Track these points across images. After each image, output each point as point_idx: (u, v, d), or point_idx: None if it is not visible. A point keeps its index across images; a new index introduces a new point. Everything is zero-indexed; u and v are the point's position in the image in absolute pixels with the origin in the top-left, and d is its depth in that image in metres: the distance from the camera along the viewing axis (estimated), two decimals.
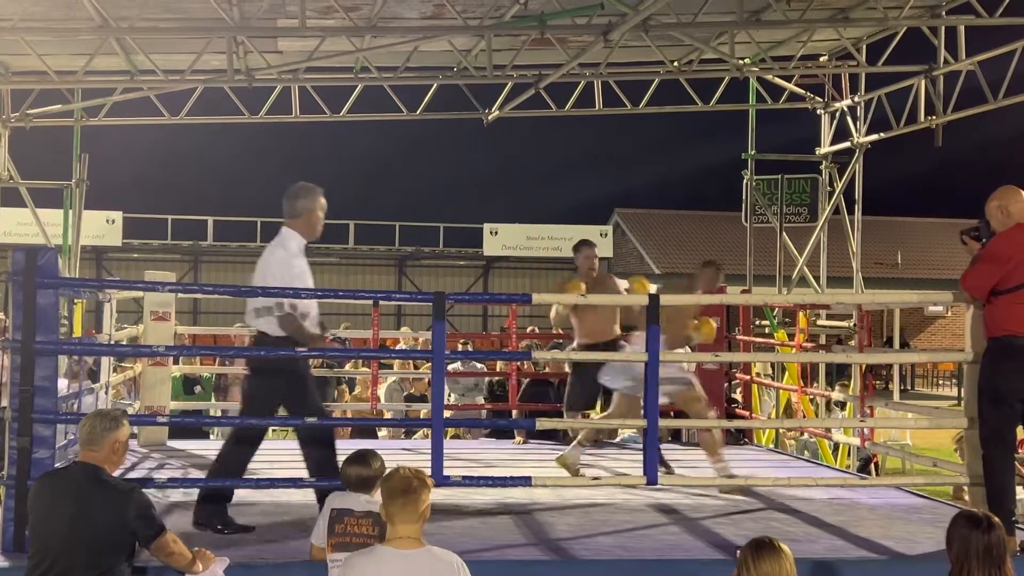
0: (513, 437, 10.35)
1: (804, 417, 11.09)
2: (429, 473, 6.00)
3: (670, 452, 9.34)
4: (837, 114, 13.66)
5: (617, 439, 10.59)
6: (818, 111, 13.91)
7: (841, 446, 11.45)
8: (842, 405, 12.25)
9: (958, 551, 4.01)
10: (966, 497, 7.12)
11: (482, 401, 11.68)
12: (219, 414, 11.95)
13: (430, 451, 6.06)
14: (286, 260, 6.37)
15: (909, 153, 21.20)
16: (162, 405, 9.67)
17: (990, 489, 5.93)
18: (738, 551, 3.98)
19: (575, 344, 9.03)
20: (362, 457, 4.93)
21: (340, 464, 5.11)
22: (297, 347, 6.14)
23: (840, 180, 13.65)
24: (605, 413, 8.57)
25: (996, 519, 4.08)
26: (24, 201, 14.21)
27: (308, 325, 6.22)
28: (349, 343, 12.57)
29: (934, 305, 32.50)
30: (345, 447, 9.13)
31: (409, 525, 4.04)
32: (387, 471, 4.29)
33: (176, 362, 10.71)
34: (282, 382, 6.24)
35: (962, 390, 6.50)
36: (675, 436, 10.80)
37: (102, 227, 29.22)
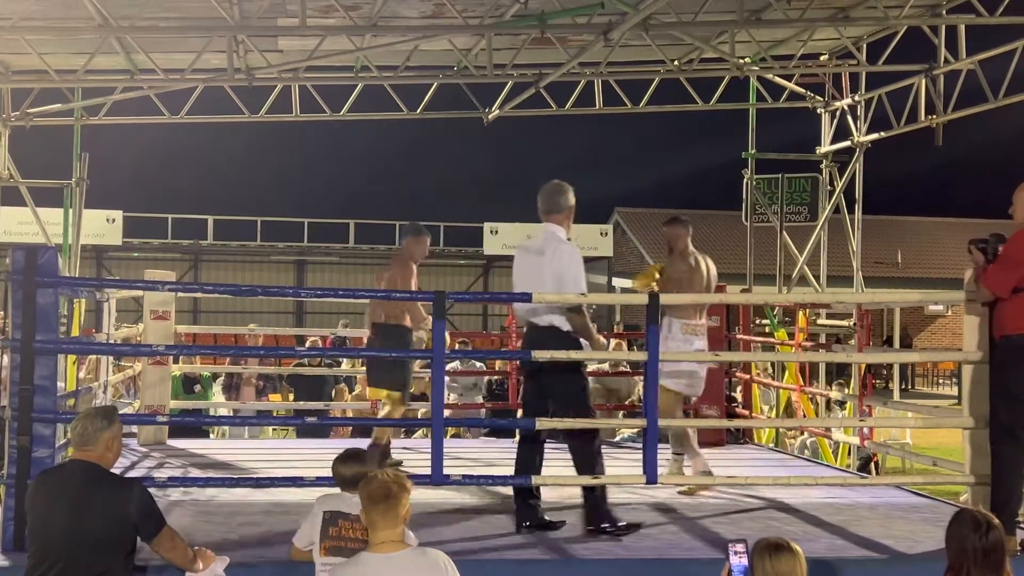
0: (514, 436, 10.35)
1: (804, 416, 11.08)
2: (429, 472, 6.03)
3: (670, 451, 9.33)
4: (837, 113, 13.65)
5: (616, 439, 10.59)
6: (818, 110, 13.90)
7: (841, 445, 11.45)
8: (842, 404, 12.26)
9: (957, 552, 3.99)
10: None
11: (481, 400, 11.68)
12: (230, 413, 11.96)
13: (430, 450, 6.07)
14: (577, 256, 6.45)
15: (909, 153, 21.21)
16: (162, 404, 9.67)
17: (997, 488, 5.91)
18: (730, 544, 3.97)
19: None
20: (355, 455, 4.91)
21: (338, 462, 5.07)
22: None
23: (840, 179, 13.64)
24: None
25: (996, 521, 4.06)
26: (24, 200, 14.20)
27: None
28: (349, 342, 12.58)
29: (934, 304, 32.55)
30: (339, 447, 9.17)
31: (390, 530, 4.04)
32: (369, 477, 4.25)
33: (176, 361, 10.71)
34: (580, 376, 6.43)
35: (962, 389, 6.50)
36: None
37: (102, 226, 29.23)
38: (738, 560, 3.93)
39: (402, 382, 8.42)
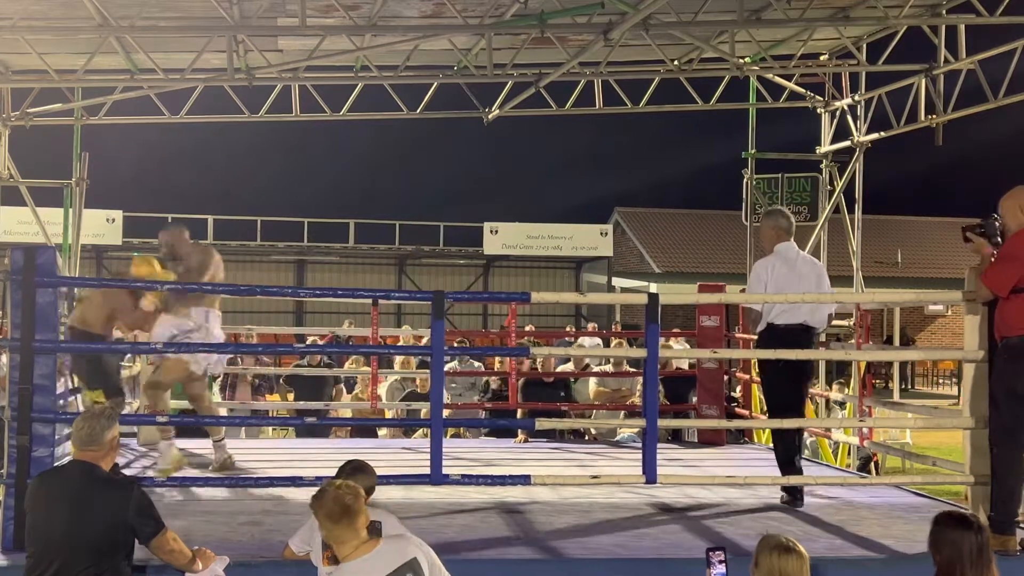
0: (514, 436, 10.36)
1: (804, 416, 11.08)
2: (428, 471, 6.04)
3: (670, 451, 9.34)
4: (837, 113, 13.66)
5: (616, 438, 10.59)
6: (818, 110, 13.90)
7: (841, 445, 11.45)
8: (842, 404, 12.26)
9: (950, 554, 3.97)
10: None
11: (478, 400, 11.66)
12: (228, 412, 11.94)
13: (429, 450, 6.06)
14: None
15: (909, 152, 21.22)
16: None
17: (997, 489, 5.88)
18: (710, 552, 4.01)
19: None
20: (358, 468, 4.92)
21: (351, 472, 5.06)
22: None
23: (840, 179, 13.65)
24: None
25: (982, 519, 4.07)
26: (24, 200, 14.21)
27: None
28: (352, 342, 12.56)
29: (934, 304, 32.55)
30: (345, 447, 9.16)
31: (356, 538, 4.10)
32: (318, 494, 4.27)
33: None
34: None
35: (962, 389, 6.49)
36: (675, 435, 10.79)
37: (102, 226, 29.20)
38: (718, 568, 3.98)
39: (100, 382, 8.20)
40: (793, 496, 7.17)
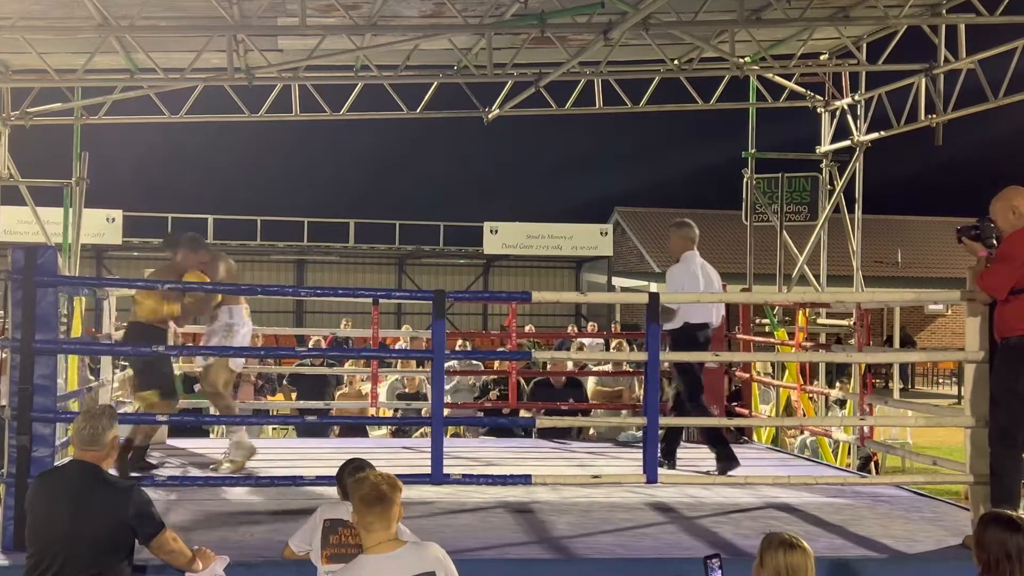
0: (514, 435, 10.36)
1: (804, 416, 11.08)
2: (429, 472, 6.04)
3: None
4: (837, 113, 13.65)
5: (619, 437, 10.59)
6: (818, 110, 13.90)
7: (841, 445, 11.44)
8: (842, 403, 12.25)
9: (996, 553, 3.98)
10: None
11: (473, 400, 11.67)
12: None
13: (430, 450, 6.06)
14: None
15: (909, 152, 21.22)
16: None
17: (996, 489, 5.89)
18: (707, 560, 4.03)
19: None
20: (361, 468, 4.93)
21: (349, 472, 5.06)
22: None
23: (840, 179, 13.64)
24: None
25: None
26: (24, 199, 14.20)
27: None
28: (352, 342, 12.55)
29: (933, 304, 32.55)
30: (345, 447, 9.16)
31: (386, 531, 4.06)
32: (358, 479, 4.27)
33: (175, 361, 10.67)
34: None
35: (962, 389, 6.48)
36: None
37: (102, 225, 29.19)
38: (716, 574, 4.01)
39: (155, 383, 8.21)
40: (728, 462, 8.09)
